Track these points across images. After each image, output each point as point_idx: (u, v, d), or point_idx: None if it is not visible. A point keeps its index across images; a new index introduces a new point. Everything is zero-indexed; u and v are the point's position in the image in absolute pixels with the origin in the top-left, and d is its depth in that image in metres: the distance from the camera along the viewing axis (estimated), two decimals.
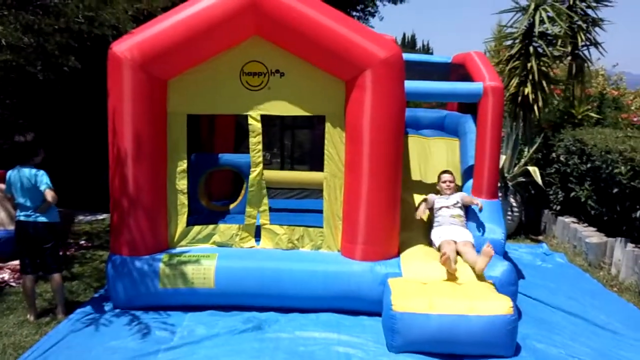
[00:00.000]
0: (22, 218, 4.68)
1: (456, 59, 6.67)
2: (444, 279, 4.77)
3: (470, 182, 5.78)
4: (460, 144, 6.53)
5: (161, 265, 4.90)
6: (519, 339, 4.44)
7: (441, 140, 6.68)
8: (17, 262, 5.64)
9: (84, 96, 8.99)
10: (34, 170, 4.64)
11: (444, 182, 5.76)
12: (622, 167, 6.32)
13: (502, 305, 4.23)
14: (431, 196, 5.76)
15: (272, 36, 4.81)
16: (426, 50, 41.41)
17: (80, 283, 5.58)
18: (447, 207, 5.54)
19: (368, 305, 4.85)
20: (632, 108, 9.80)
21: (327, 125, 4.97)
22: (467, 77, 5.97)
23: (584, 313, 5.27)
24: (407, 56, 6.82)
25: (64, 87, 8.52)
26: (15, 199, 4.69)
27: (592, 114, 8.78)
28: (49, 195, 4.57)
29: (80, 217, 8.31)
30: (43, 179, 4.62)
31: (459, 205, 5.58)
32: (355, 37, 4.59)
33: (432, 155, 6.54)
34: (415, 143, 6.60)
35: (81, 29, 5.28)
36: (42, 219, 4.69)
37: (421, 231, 5.68)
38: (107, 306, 5.00)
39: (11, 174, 4.68)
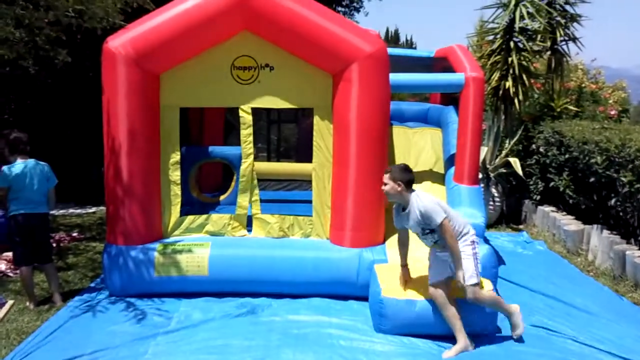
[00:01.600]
0: (26, 211, 4.80)
1: (439, 52, 6.90)
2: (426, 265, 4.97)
3: (452, 170, 6.00)
4: (443, 134, 6.76)
5: (156, 254, 5.06)
6: (500, 319, 4.65)
7: (424, 130, 6.91)
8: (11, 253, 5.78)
9: (74, 91, 9.07)
10: (41, 163, 4.93)
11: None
12: (598, 157, 6.58)
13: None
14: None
15: (261, 31, 4.98)
16: (410, 45, 41.67)
17: (75, 273, 5.72)
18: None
19: (356, 290, 5.05)
20: (610, 101, 10.11)
21: (316, 118, 5.15)
22: (449, 69, 6.19)
23: (561, 296, 5.50)
24: (391, 51, 7.05)
25: (55, 81, 8.59)
26: (19, 191, 4.77)
27: (571, 107, 9.06)
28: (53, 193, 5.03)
29: (71, 211, 8.43)
30: (52, 173, 4.99)
31: (429, 231, 4.25)
32: (342, 32, 4.79)
33: (416, 145, 6.77)
34: (400, 134, 6.82)
35: (71, 22, 5.37)
36: (43, 209, 4.93)
37: None
38: (104, 294, 5.16)
39: (18, 166, 4.78)
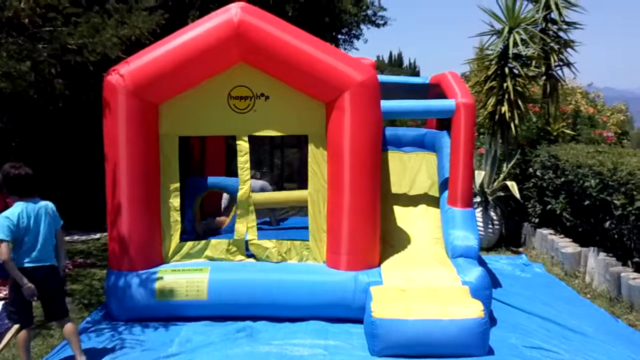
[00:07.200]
0: (32, 264, 4.01)
1: (433, 79, 7.08)
2: (421, 286, 5.07)
3: (446, 193, 6.12)
4: (437, 158, 6.90)
5: (157, 279, 5.18)
6: (495, 341, 4.77)
7: (419, 155, 7.06)
8: None
9: (78, 120, 9.28)
10: (49, 204, 4.20)
11: None
12: (592, 181, 6.68)
13: (473, 309, 4.55)
14: None
15: (256, 62, 5.16)
16: (413, 68, 42.09)
17: (78, 299, 5.82)
18: None
19: (353, 312, 5.13)
20: (609, 124, 10.21)
21: (310, 144, 5.31)
22: (443, 95, 6.35)
23: (557, 318, 5.55)
24: (388, 78, 7.26)
25: (59, 111, 8.79)
26: (28, 240, 4.00)
27: (567, 131, 9.16)
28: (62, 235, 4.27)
29: (76, 237, 8.57)
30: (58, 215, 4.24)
31: None
32: (334, 62, 4.97)
33: (410, 170, 6.92)
34: (395, 159, 6.97)
35: (70, 59, 5.50)
36: (53, 261, 4.19)
37: (401, 242, 5.99)
38: (107, 320, 5.27)
39: (27, 210, 4.01)
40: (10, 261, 3.88)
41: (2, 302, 3.62)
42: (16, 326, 3.47)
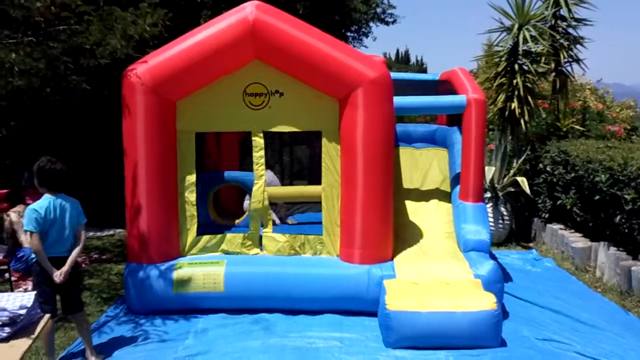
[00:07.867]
0: (54, 256, 4.13)
1: (443, 76, 7.15)
2: (434, 279, 5.15)
3: (458, 188, 6.20)
4: (448, 154, 6.97)
5: (174, 272, 5.29)
6: (507, 333, 4.84)
7: (430, 150, 7.14)
8: None
9: (93, 117, 9.40)
10: (75, 201, 4.34)
11: None
12: (602, 176, 6.72)
13: (486, 302, 4.63)
14: None
15: (271, 60, 5.25)
16: (420, 65, 42.13)
17: (97, 293, 5.94)
18: None
19: (366, 305, 5.22)
20: (618, 120, 10.21)
21: (324, 140, 5.40)
22: (453, 92, 6.42)
23: (568, 311, 5.61)
24: (399, 75, 7.33)
25: (75, 108, 8.90)
26: (52, 232, 4.13)
27: (577, 127, 9.19)
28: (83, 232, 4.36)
29: (91, 233, 8.69)
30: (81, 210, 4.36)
31: None
32: (347, 60, 5.05)
33: (422, 165, 7.00)
34: (406, 154, 7.05)
35: (83, 62, 5.58)
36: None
37: (413, 236, 6.07)
38: (126, 313, 5.39)
39: (53, 203, 4.14)
40: (42, 251, 4.05)
41: (34, 292, 3.70)
42: (47, 316, 3.58)
